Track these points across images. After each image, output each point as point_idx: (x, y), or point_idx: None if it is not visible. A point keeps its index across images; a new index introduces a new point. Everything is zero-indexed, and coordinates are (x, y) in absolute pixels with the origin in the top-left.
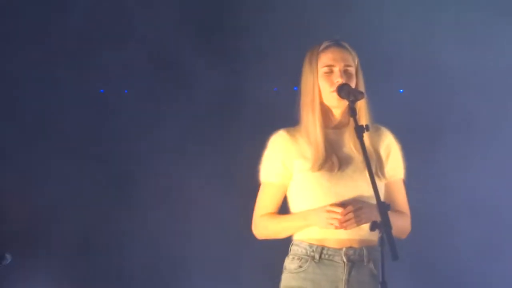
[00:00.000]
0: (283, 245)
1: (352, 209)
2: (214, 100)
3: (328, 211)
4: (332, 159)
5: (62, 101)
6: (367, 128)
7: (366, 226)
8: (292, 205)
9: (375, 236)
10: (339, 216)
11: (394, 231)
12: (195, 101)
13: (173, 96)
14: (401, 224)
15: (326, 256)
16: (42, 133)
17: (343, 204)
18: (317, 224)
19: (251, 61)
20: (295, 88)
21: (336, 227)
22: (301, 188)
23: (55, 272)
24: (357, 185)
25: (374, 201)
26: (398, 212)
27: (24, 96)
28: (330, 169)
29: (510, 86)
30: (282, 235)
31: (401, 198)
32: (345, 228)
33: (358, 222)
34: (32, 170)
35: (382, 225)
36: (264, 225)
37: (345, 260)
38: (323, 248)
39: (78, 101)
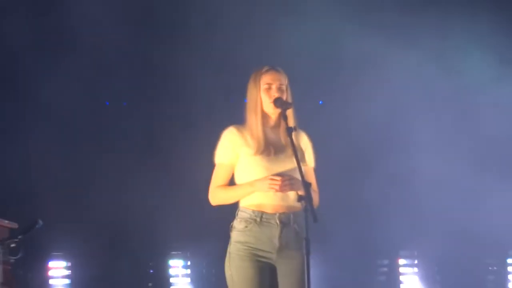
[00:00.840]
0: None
1: (288, 178)
2: None
3: (270, 179)
4: (269, 148)
5: None
6: (295, 128)
7: (293, 197)
8: (238, 179)
9: (298, 204)
10: (278, 182)
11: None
12: None
13: None
14: (315, 198)
15: (265, 219)
16: None
17: (279, 175)
18: (261, 189)
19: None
20: (232, 101)
21: (276, 190)
22: (246, 167)
23: None
24: (287, 167)
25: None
26: (312, 190)
27: None
28: (268, 155)
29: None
30: (232, 200)
31: (313, 181)
32: (283, 191)
33: (291, 187)
34: None
35: (306, 197)
36: (219, 194)
37: (278, 222)
38: (262, 213)
39: None
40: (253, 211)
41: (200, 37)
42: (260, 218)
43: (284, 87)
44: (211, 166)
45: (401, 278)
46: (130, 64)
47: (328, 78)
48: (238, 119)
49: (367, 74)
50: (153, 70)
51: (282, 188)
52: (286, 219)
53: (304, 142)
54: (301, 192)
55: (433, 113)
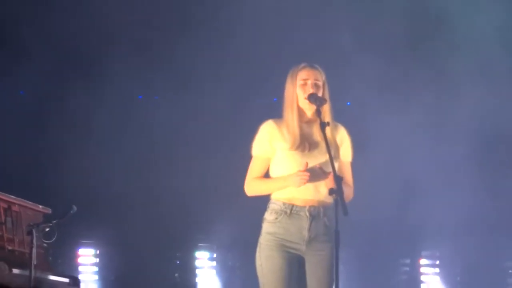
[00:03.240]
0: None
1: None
2: None
3: (299, 175)
4: (304, 144)
5: None
6: (328, 124)
7: (324, 191)
8: (273, 173)
9: (328, 198)
10: (306, 176)
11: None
12: None
13: None
14: (348, 192)
15: (295, 211)
16: None
17: (310, 169)
18: (294, 184)
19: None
20: (275, 99)
21: (305, 183)
22: (281, 161)
23: None
24: (320, 162)
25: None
26: (346, 184)
27: None
28: (303, 150)
29: None
30: (266, 192)
31: (348, 175)
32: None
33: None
34: None
35: (337, 191)
36: (254, 186)
37: (308, 214)
38: (293, 206)
39: None
40: (284, 203)
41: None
42: (290, 210)
43: (320, 83)
44: (242, 160)
45: (422, 278)
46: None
47: None
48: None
49: None
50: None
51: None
52: (315, 212)
53: (341, 136)
54: (332, 186)
55: None
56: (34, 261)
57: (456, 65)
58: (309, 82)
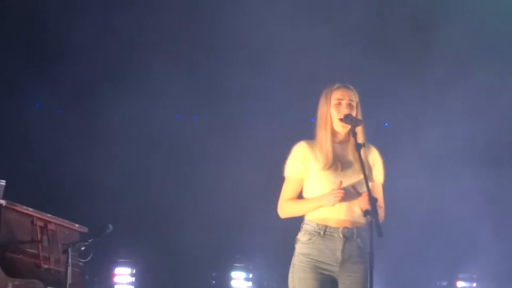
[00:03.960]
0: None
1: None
2: None
3: (333, 193)
4: (337, 163)
5: None
6: (363, 145)
7: (358, 212)
8: (306, 193)
9: (362, 219)
10: (341, 194)
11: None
12: None
13: None
14: (380, 213)
15: (328, 233)
16: None
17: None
18: (328, 204)
19: None
20: (312, 120)
21: (339, 201)
22: (315, 181)
23: None
24: (353, 182)
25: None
26: (378, 205)
27: None
28: (335, 170)
29: None
30: (300, 213)
31: (380, 196)
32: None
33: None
34: None
35: (372, 212)
36: (288, 207)
37: (341, 236)
38: (326, 227)
39: None
40: (317, 224)
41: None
42: (323, 231)
43: (354, 104)
44: (280, 180)
45: None
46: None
47: None
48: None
49: None
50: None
51: (342, 199)
52: (349, 233)
53: (373, 157)
54: (366, 207)
55: None
56: (69, 280)
57: None
58: (343, 102)
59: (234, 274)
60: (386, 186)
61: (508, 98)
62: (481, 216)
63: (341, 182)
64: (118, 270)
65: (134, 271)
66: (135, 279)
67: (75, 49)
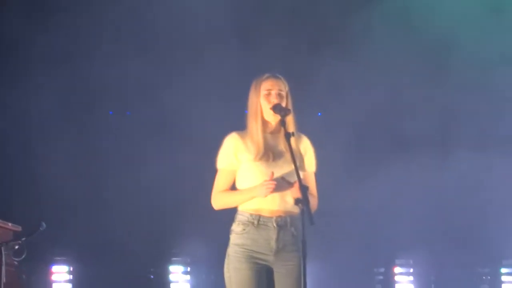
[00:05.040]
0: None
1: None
2: None
3: (264, 184)
4: (268, 154)
5: None
6: (293, 134)
7: (290, 201)
8: (239, 184)
9: (295, 208)
10: (272, 185)
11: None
12: None
13: None
14: (313, 202)
15: (262, 222)
16: None
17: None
18: (259, 194)
19: None
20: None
21: (271, 192)
22: (247, 172)
23: None
24: (285, 172)
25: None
26: (311, 194)
27: None
28: (267, 160)
29: None
30: (233, 205)
31: (312, 185)
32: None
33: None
34: None
35: (303, 200)
36: (221, 199)
37: (275, 225)
38: (260, 216)
39: None
40: (251, 215)
41: None
42: (257, 221)
43: (283, 94)
44: (212, 171)
45: (397, 286)
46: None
47: None
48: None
49: None
50: None
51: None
52: (283, 222)
53: (304, 146)
54: (298, 195)
55: None
56: (3, 279)
57: None
58: (273, 92)
59: (172, 268)
60: None
61: None
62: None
63: (273, 173)
64: (55, 268)
65: (71, 269)
66: (73, 277)
67: None
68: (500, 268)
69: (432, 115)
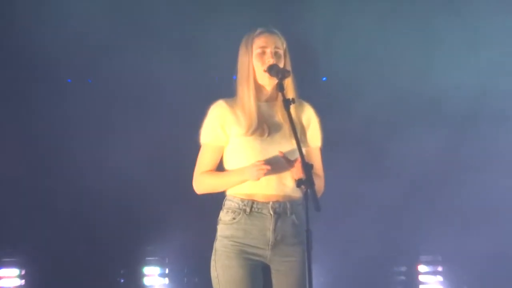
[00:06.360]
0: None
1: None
2: None
3: (256, 166)
4: (263, 127)
5: None
6: (293, 101)
7: (289, 184)
8: (227, 164)
9: (296, 192)
10: (266, 167)
11: None
12: None
13: None
14: (318, 184)
15: (256, 209)
16: None
17: (273, 159)
18: (250, 177)
19: None
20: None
21: (264, 174)
22: (236, 150)
23: None
24: (283, 148)
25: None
26: (315, 174)
27: None
28: (261, 135)
29: None
30: (220, 189)
31: (317, 163)
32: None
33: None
34: None
35: (307, 181)
36: (204, 181)
37: (271, 212)
38: (253, 202)
39: None
40: (242, 200)
41: None
42: (250, 208)
43: (281, 52)
44: (195, 147)
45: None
46: None
47: None
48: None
49: None
50: None
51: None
52: (281, 209)
53: (307, 117)
54: (300, 176)
55: None
56: None
57: None
58: (268, 50)
59: (147, 269)
60: None
61: None
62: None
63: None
64: (2, 272)
65: (23, 273)
66: (25, 282)
67: None
68: None
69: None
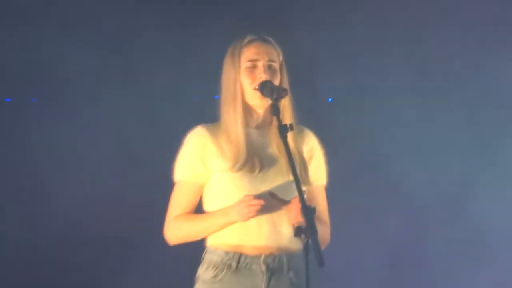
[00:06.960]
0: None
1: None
2: None
3: (246, 201)
4: (253, 160)
5: None
6: (291, 127)
7: (286, 232)
8: (208, 206)
9: (295, 243)
10: (258, 204)
11: None
12: None
13: None
14: (322, 232)
15: (244, 264)
16: None
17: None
18: (238, 217)
19: None
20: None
21: (255, 214)
22: (220, 189)
23: None
24: (279, 188)
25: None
26: (318, 219)
27: None
28: (251, 170)
29: None
30: (198, 236)
31: (321, 206)
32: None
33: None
34: None
35: (308, 229)
36: (179, 227)
37: (263, 268)
38: (240, 255)
39: None
40: (226, 253)
41: None
42: (236, 262)
43: (276, 66)
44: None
45: None
46: None
47: None
48: None
49: None
50: None
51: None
52: (276, 264)
53: (310, 147)
54: (298, 221)
55: None
56: None
57: None
58: (259, 64)
59: None
60: None
61: None
62: None
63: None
64: None
65: None
66: None
67: None
68: None
69: None
